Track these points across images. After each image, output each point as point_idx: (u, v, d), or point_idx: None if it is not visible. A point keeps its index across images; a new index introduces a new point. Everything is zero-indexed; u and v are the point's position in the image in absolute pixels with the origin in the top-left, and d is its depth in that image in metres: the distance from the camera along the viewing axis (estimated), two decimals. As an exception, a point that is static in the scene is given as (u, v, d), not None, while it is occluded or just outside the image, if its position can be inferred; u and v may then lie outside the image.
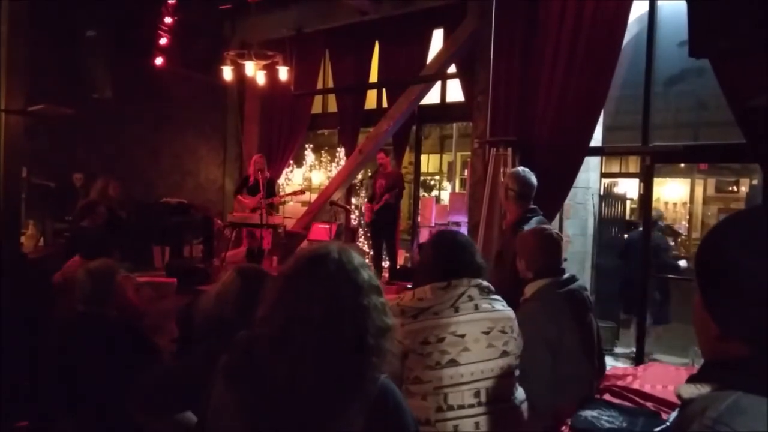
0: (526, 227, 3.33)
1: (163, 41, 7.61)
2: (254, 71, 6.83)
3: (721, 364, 0.90)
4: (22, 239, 5.97)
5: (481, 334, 2.02)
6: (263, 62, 6.88)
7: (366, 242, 8.50)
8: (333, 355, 1.23)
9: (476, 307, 2.04)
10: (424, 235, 7.56)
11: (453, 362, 1.97)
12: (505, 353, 2.06)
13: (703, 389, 0.88)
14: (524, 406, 2.11)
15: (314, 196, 8.61)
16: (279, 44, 7.59)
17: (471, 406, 1.98)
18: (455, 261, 2.09)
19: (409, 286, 5.69)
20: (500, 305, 2.12)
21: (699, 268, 0.92)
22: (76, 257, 3.86)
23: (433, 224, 7.61)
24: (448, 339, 1.98)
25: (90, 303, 2.60)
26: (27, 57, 5.34)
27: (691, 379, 0.92)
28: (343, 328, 1.24)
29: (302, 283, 1.28)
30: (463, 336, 1.99)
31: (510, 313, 2.13)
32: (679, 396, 0.92)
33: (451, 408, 1.96)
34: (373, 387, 1.27)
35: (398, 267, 7.10)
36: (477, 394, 1.98)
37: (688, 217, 13.97)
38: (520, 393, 2.11)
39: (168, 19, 7.59)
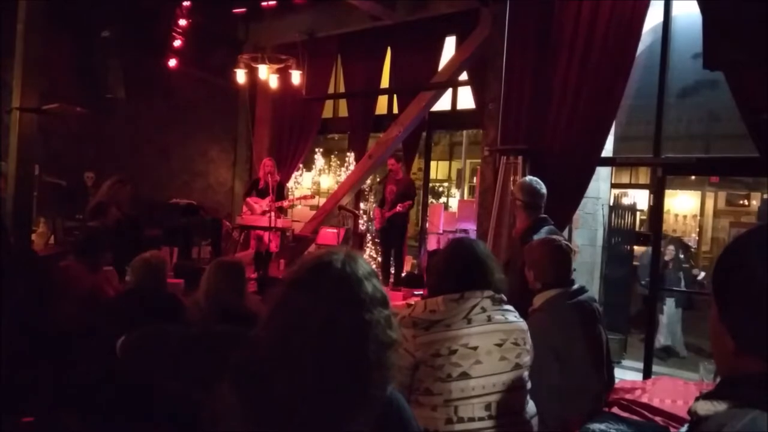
0: (536, 237, 3.31)
1: (177, 43, 7.66)
2: (267, 75, 6.86)
3: (738, 381, 0.88)
4: (33, 236, 6.00)
5: (493, 346, 2.00)
6: (276, 66, 6.91)
7: (374, 247, 8.50)
8: (332, 368, 1.20)
9: (489, 319, 2.02)
10: (432, 242, 7.53)
11: (464, 375, 1.96)
12: (517, 366, 2.04)
13: (720, 406, 0.86)
14: (535, 421, 2.08)
15: (323, 201, 8.62)
16: (292, 48, 7.62)
17: (481, 419, 1.96)
18: (471, 272, 2.06)
19: (417, 292, 5.72)
20: (513, 316, 2.09)
21: (716, 283, 0.91)
22: (70, 259, 3.88)
23: (441, 231, 7.59)
24: (460, 351, 1.96)
25: (144, 283, 2.98)
26: (42, 56, 5.39)
27: (707, 396, 0.91)
28: (341, 342, 1.21)
29: (302, 292, 1.25)
30: (475, 348, 1.97)
31: (523, 324, 2.11)
32: (693, 413, 0.90)
33: (461, 420, 1.94)
34: (379, 401, 1.26)
35: (405, 274, 7.08)
36: (488, 407, 1.96)
37: (698, 230, 13.88)
38: (531, 407, 2.09)
39: (182, 22, 7.64)
